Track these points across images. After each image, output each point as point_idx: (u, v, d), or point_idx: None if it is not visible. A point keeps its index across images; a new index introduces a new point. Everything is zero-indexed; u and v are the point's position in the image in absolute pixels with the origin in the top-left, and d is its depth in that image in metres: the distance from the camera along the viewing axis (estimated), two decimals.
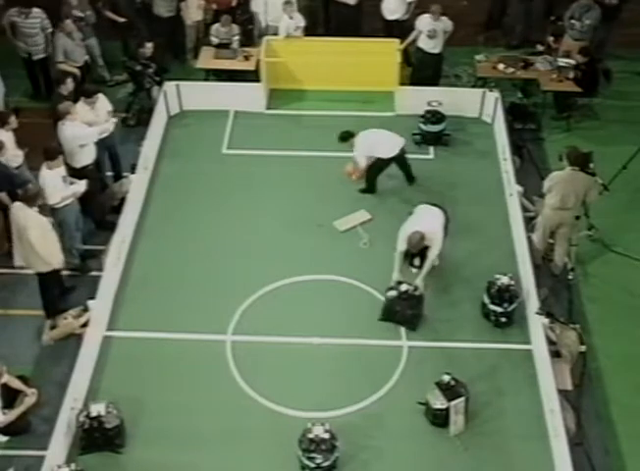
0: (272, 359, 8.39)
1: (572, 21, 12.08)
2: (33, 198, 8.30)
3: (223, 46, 12.45)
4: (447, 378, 7.70)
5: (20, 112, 10.03)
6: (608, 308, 9.05)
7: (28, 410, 7.56)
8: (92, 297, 8.62)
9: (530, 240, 9.31)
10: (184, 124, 11.79)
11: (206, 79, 12.39)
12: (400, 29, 12.41)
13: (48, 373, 8.30)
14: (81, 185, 9.09)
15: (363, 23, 13.15)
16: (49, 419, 7.60)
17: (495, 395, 8.03)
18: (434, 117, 11.16)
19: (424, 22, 11.76)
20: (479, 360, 8.37)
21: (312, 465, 7.22)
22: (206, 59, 12.38)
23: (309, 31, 12.68)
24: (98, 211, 9.99)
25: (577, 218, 9.20)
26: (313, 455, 7.18)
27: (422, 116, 11.21)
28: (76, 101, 9.76)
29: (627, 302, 9.11)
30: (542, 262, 9.45)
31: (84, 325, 8.52)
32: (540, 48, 12.49)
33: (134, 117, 11.66)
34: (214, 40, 12.51)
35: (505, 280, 8.61)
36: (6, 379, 7.44)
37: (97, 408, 7.44)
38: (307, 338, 8.58)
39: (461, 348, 8.47)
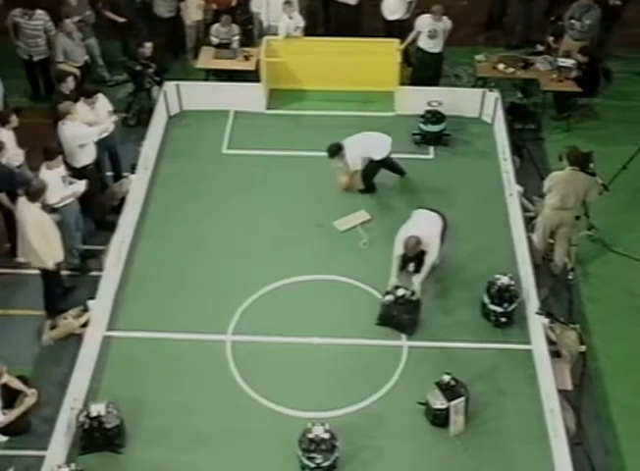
0: (272, 359, 8.39)
1: (572, 21, 12.07)
2: (36, 194, 8.29)
3: (223, 46, 12.45)
4: (447, 378, 7.70)
5: (20, 112, 10.02)
6: (608, 308, 9.05)
7: (28, 410, 7.56)
8: (92, 297, 8.62)
9: (530, 240, 9.31)
10: (184, 124, 11.79)
11: (206, 79, 12.39)
12: (400, 29, 12.41)
13: (48, 373, 8.30)
14: (81, 186, 9.09)
15: (363, 23, 13.16)
16: (49, 419, 7.61)
17: (495, 395, 8.03)
18: (434, 117, 11.16)
19: (424, 21, 11.75)
20: (479, 360, 8.37)
21: (312, 465, 7.22)
22: (206, 59, 12.38)
23: (309, 31, 12.68)
24: (98, 211, 9.99)
25: (577, 218, 9.20)
26: (313, 455, 7.18)
27: (422, 116, 11.21)
28: (76, 101, 9.77)
29: (627, 302, 9.11)
30: (542, 262, 9.45)
31: (84, 325, 8.52)
32: (540, 48, 12.49)
33: (134, 117, 11.66)
34: (214, 40, 12.51)
35: (505, 280, 8.61)
36: (6, 379, 7.44)
37: (97, 408, 7.44)
38: (307, 338, 8.58)
39: (461, 348, 8.47)
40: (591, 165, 9.20)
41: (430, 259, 8.53)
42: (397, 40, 12.06)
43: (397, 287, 8.56)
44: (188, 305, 8.94)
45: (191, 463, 7.48)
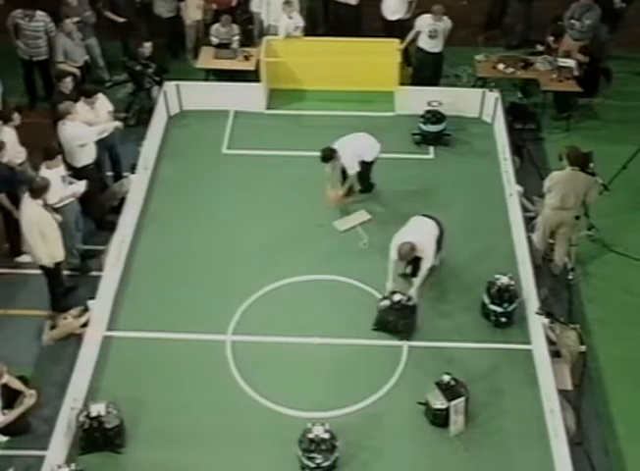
0: (272, 359, 8.39)
1: (572, 21, 12.07)
2: (39, 191, 8.29)
3: (223, 46, 12.45)
4: (447, 378, 7.70)
5: (21, 111, 10.05)
6: (608, 308, 9.05)
7: (28, 411, 7.56)
8: (92, 297, 8.63)
9: (530, 240, 9.31)
10: (184, 124, 11.79)
11: (206, 79, 12.39)
12: (400, 29, 12.40)
13: (48, 373, 8.30)
14: (81, 186, 9.09)
15: (363, 23, 13.16)
16: (49, 419, 7.61)
17: (495, 395, 8.03)
18: (434, 117, 11.16)
19: (425, 21, 11.75)
20: (479, 360, 8.37)
21: (312, 465, 7.22)
22: (206, 59, 12.38)
23: (309, 31, 12.68)
24: (98, 211, 9.99)
25: (577, 218, 9.20)
26: (313, 455, 7.18)
27: (422, 116, 11.21)
28: (76, 101, 9.77)
29: (627, 302, 9.11)
30: (542, 262, 9.45)
31: (84, 325, 8.52)
32: (540, 48, 12.50)
33: (134, 117, 11.66)
34: (214, 40, 12.51)
35: (505, 280, 8.61)
36: (6, 379, 7.43)
37: (97, 408, 7.43)
38: (307, 338, 8.58)
39: (461, 348, 8.47)
40: (591, 165, 9.21)
41: (426, 265, 8.46)
42: (397, 40, 12.06)
43: (393, 293, 8.51)
44: (188, 305, 8.94)
45: (191, 463, 7.48)
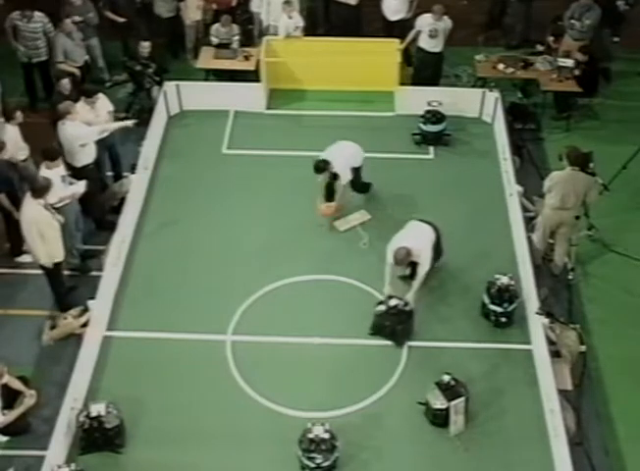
0: (272, 359, 8.39)
1: (572, 21, 12.07)
2: (39, 191, 8.29)
3: (223, 46, 12.45)
4: (447, 378, 7.69)
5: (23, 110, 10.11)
6: (608, 308, 9.05)
7: (28, 411, 7.56)
8: (92, 297, 8.63)
9: (530, 240, 9.31)
10: (184, 124, 11.79)
11: (206, 79, 12.40)
12: (400, 29, 12.41)
13: (48, 373, 8.30)
14: (81, 187, 9.09)
15: (363, 23, 13.15)
16: (49, 419, 7.61)
17: (495, 395, 8.03)
18: (434, 117, 11.15)
19: (425, 21, 11.75)
20: (479, 360, 8.36)
21: (312, 465, 7.22)
22: (206, 59, 12.38)
23: (309, 31, 12.69)
24: (98, 211, 9.99)
25: (577, 218, 9.20)
26: (313, 455, 7.18)
27: (422, 116, 11.20)
28: (76, 101, 9.77)
29: (627, 302, 9.11)
30: (542, 262, 9.45)
31: (84, 325, 8.52)
32: (540, 48, 12.50)
33: (134, 117, 11.64)
34: (214, 40, 12.51)
35: (505, 280, 8.60)
36: (6, 379, 7.43)
37: (97, 408, 7.43)
38: (307, 338, 8.58)
39: (461, 348, 8.47)
40: (591, 165, 9.21)
41: (422, 270, 8.41)
42: (397, 40, 12.06)
43: (390, 297, 8.47)
44: (188, 305, 8.94)
45: (192, 463, 7.48)
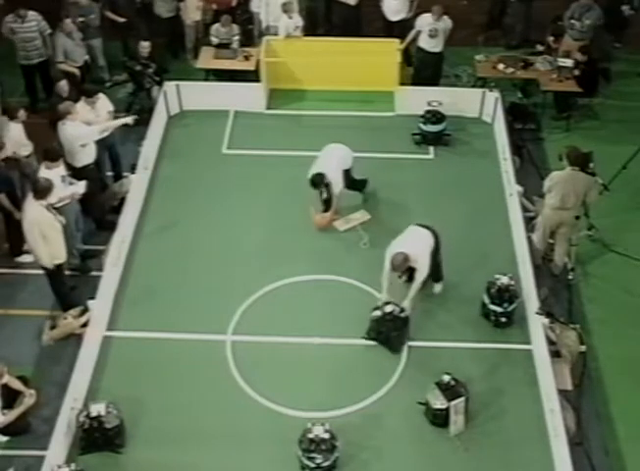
0: (272, 359, 8.39)
1: (572, 21, 12.08)
2: (41, 192, 8.28)
3: (223, 46, 12.46)
4: (447, 378, 7.69)
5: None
6: (608, 308, 9.05)
7: (28, 411, 7.56)
8: (92, 297, 8.63)
9: (530, 240, 9.31)
10: (184, 124, 11.79)
11: (206, 79, 12.40)
12: (400, 29, 12.41)
13: (48, 373, 8.30)
14: (80, 187, 9.09)
15: (363, 23, 13.15)
16: (49, 419, 7.61)
17: (495, 395, 8.03)
18: (434, 117, 11.15)
19: (425, 21, 11.76)
20: (479, 360, 8.36)
21: (312, 465, 7.22)
22: (206, 59, 12.38)
23: (309, 31, 12.69)
24: (98, 211, 9.99)
25: (577, 218, 9.20)
26: (313, 455, 7.18)
27: (422, 116, 11.20)
28: (76, 101, 9.78)
29: (627, 302, 9.11)
30: (542, 262, 9.45)
31: (84, 325, 8.52)
32: (540, 48, 12.50)
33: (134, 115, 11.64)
34: (214, 40, 12.52)
35: (505, 280, 8.60)
36: (6, 379, 7.43)
37: (97, 408, 7.43)
38: (307, 338, 8.58)
39: (461, 348, 8.47)
40: (591, 165, 9.21)
41: (420, 276, 8.34)
42: (397, 40, 12.07)
43: (386, 303, 8.42)
44: (188, 305, 8.94)
45: (192, 463, 7.48)
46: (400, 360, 8.38)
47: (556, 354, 8.12)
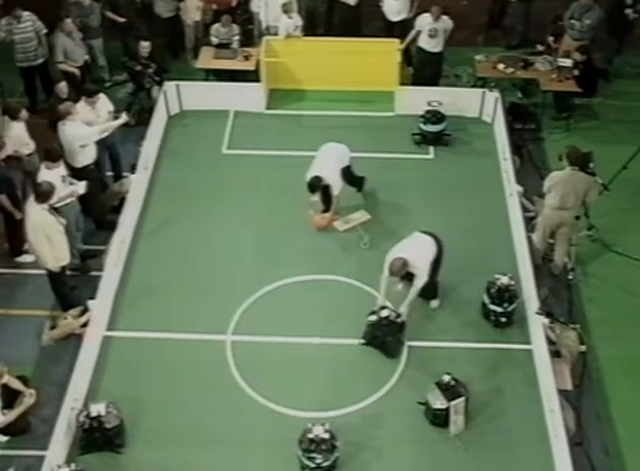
0: (272, 359, 8.39)
1: (572, 21, 12.07)
2: (43, 195, 8.28)
3: (223, 46, 12.46)
4: (447, 378, 7.69)
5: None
6: (608, 308, 9.05)
7: (28, 411, 7.55)
8: (92, 297, 8.63)
9: (530, 240, 9.31)
10: (184, 124, 11.79)
11: (206, 79, 12.40)
12: (401, 29, 12.41)
13: (48, 373, 8.30)
14: (81, 187, 9.09)
15: (363, 23, 13.15)
16: (49, 419, 7.61)
17: (495, 395, 8.03)
18: (434, 117, 11.16)
19: (425, 21, 11.76)
20: (479, 360, 8.36)
21: (312, 465, 7.22)
22: (206, 59, 12.38)
23: (309, 31, 12.69)
24: (98, 211, 9.99)
25: (577, 218, 9.20)
26: (313, 455, 7.18)
27: (422, 116, 11.20)
28: (76, 101, 9.78)
29: (627, 302, 9.11)
30: (542, 262, 9.45)
31: (84, 325, 8.52)
32: (540, 48, 12.50)
33: (134, 117, 11.65)
34: (214, 40, 12.52)
35: (505, 280, 8.60)
36: (6, 379, 7.43)
37: (97, 408, 7.43)
38: (307, 338, 8.58)
39: (461, 348, 8.47)
40: (591, 165, 9.21)
41: (418, 283, 8.27)
42: (397, 40, 12.06)
43: (382, 308, 8.38)
44: (188, 305, 8.94)
45: (191, 463, 7.48)
46: (401, 360, 8.38)
47: (556, 354, 8.12)
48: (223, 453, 7.56)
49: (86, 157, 9.59)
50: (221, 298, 8.99)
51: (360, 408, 7.93)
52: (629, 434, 7.82)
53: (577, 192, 8.88)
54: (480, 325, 8.72)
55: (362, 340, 8.48)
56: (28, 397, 7.49)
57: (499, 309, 8.56)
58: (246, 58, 12.29)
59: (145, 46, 11.54)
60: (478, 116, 11.75)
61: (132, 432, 7.68)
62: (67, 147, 9.39)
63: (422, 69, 12.21)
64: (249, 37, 13.06)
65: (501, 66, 12.01)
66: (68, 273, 9.15)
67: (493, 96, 11.49)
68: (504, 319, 8.62)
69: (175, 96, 11.79)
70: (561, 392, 7.74)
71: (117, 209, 9.92)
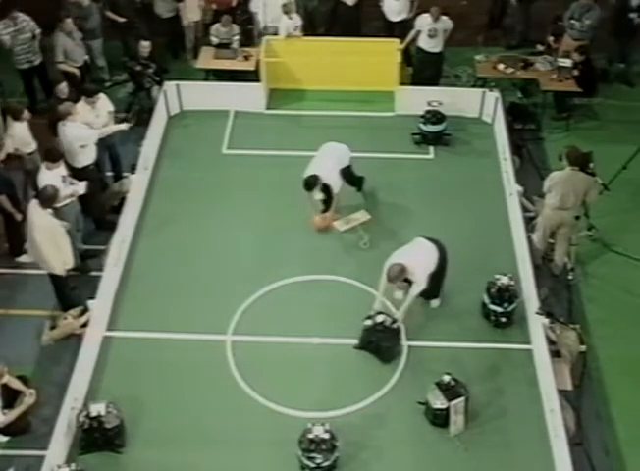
0: (272, 359, 8.39)
1: (572, 21, 12.07)
2: (47, 200, 8.29)
3: (223, 46, 12.46)
4: (447, 378, 7.69)
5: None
6: (608, 308, 9.05)
7: (28, 410, 7.56)
8: (92, 297, 8.63)
9: (530, 240, 9.31)
10: (184, 124, 11.79)
11: (206, 79, 12.40)
12: (401, 30, 12.41)
13: (48, 373, 8.30)
14: (81, 188, 9.09)
15: (363, 23, 13.15)
16: (49, 419, 7.61)
17: (495, 395, 8.03)
18: (434, 117, 11.15)
19: (424, 21, 11.76)
20: (479, 360, 8.36)
21: (312, 465, 7.22)
22: (206, 59, 12.38)
23: (309, 31, 12.68)
24: (98, 211, 10.00)
25: (577, 218, 9.20)
26: (313, 455, 7.18)
27: (422, 116, 11.20)
28: (76, 101, 9.77)
29: (627, 302, 9.11)
30: (542, 262, 9.45)
31: (84, 325, 8.52)
32: (540, 48, 12.50)
33: (134, 117, 11.64)
34: (214, 40, 12.52)
35: (505, 280, 8.60)
36: (6, 379, 7.43)
37: (97, 408, 7.44)
38: (307, 338, 8.58)
39: (461, 348, 8.47)
40: (591, 165, 9.21)
41: (416, 289, 8.22)
42: (397, 40, 12.06)
43: (378, 313, 8.35)
44: (188, 305, 8.94)
45: (191, 463, 7.48)
46: (400, 360, 8.37)
47: (556, 354, 8.12)
48: (223, 453, 7.56)
49: (86, 157, 9.59)
50: (221, 298, 8.99)
51: (360, 408, 7.93)
52: (629, 434, 7.82)
53: (577, 192, 8.88)
54: (480, 325, 8.72)
55: (357, 345, 8.43)
56: (29, 397, 7.50)
57: (499, 309, 8.56)
58: (246, 58, 12.28)
59: (146, 46, 11.53)
60: (478, 116, 11.75)
61: (132, 432, 7.68)
62: (67, 147, 9.39)
63: (422, 69, 12.21)
64: (249, 37, 13.06)
65: (501, 66, 12.01)
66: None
67: (493, 96, 11.48)
68: (504, 319, 8.62)
69: (175, 96, 11.79)
70: (561, 392, 7.74)
71: (117, 209, 9.92)
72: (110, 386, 8.14)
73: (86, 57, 12.02)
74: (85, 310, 8.64)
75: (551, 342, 8.17)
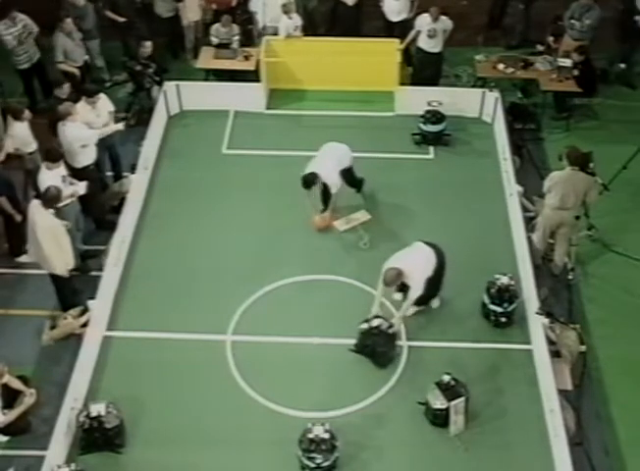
0: (272, 359, 8.39)
1: (572, 21, 12.07)
2: (50, 201, 8.29)
3: (223, 46, 12.45)
4: (447, 378, 7.69)
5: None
6: (608, 308, 9.05)
7: (28, 410, 7.56)
8: (92, 297, 8.63)
9: (530, 240, 9.31)
10: (184, 124, 11.79)
11: (206, 79, 12.40)
12: (401, 30, 12.41)
13: (48, 373, 8.30)
14: (81, 188, 9.09)
15: (363, 23, 13.15)
16: (49, 419, 7.61)
17: (495, 395, 8.03)
18: (434, 117, 11.15)
19: (424, 21, 11.76)
20: (479, 360, 8.36)
21: (312, 465, 7.22)
22: (206, 59, 12.38)
23: (309, 31, 12.68)
24: (98, 211, 10.00)
25: (577, 218, 9.20)
26: (313, 455, 7.18)
27: (422, 116, 11.20)
28: (76, 102, 9.77)
29: (627, 302, 9.11)
30: (542, 262, 9.45)
31: (84, 325, 8.52)
32: (540, 48, 12.50)
33: (134, 117, 11.66)
34: (214, 40, 12.52)
35: (505, 280, 8.60)
36: (6, 379, 7.43)
37: (97, 408, 7.44)
38: (307, 338, 8.58)
39: (461, 348, 8.47)
40: (591, 165, 9.20)
41: (413, 295, 8.19)
42: (397, 40, 12.06)
43: (375, 317, 8.33)
44: (188, 305, 8.94)
45: (191, 463, 7.48)
46: (400, 360, 8.38)
47: (556, 354, 8.12)
48: (223, 453, 7.57)
49: (86, 157, 9.60)
50: (221, 298, 8.99)
51: (360, 408, 7.93)
52: (629, 434, 7.82)
53: (577, 192, 8.88)
54: (480, 325, 8.72)
55: (353, 348, 8.39)
56: (29, 397, 7.50)
57: (499, 309, 8.56)
58: (246, 58, 12.28)
59: (147, 46, 11.52)
60: (478, 116, 11.75)
61: (132, 432, 7.68)
62: (67, 148, 9.39)
63: (422, 69, 12.21)
64: (249, 37, 13.05)
65: (501, 66, 12.01)
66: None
67: (493, 96, 11.48)
68: (504, 319, 8.62)
69: (175, 96, 11.79)
70: (561, 392, 7.74)
71: (117, 209, 9.92)
72: (110, 386, 8.14)
73: (86, 57, 12.02)
74: (85, 310, 8.65)
75: (551, 342, 8.17)
